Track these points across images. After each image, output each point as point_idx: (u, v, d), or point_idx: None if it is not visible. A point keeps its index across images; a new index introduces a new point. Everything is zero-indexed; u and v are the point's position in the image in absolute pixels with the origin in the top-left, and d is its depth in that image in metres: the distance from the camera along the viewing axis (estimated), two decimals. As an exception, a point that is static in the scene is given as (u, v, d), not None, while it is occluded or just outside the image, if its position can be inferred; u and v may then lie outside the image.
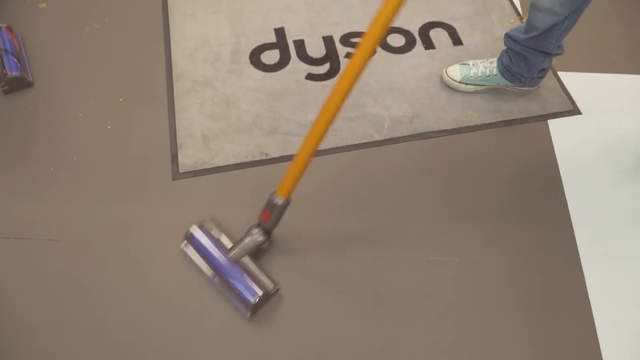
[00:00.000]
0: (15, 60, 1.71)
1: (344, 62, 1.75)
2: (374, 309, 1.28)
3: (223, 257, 1.27)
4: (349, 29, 1.84)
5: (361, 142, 1.55)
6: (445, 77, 1.67)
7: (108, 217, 1.43)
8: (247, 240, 1.28)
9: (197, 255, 1.31)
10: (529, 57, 1.49)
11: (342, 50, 1.78)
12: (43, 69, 1.76)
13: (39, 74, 1.75)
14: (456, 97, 1.64)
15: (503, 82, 1.61)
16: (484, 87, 1.64)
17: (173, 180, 1.50)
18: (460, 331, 1.26)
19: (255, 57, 1.77)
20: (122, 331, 1.25)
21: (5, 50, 1.73)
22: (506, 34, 1.53)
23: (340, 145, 1.54)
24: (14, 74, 1.68)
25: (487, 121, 1.59)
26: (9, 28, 1.82)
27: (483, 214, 1.42)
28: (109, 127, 1.62)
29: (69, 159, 1.55)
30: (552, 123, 1.59)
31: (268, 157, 1.52)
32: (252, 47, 1.80)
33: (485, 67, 1.62)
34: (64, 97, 1.70)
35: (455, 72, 1.65)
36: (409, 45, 1.80)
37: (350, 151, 1.54)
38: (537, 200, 1.45)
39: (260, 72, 1.73)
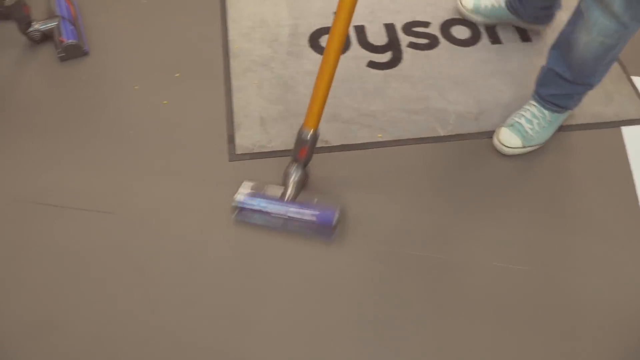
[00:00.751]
0: (72, 27, 1.68)
1: (406, 52, 1.69)
2: (427, 311, 1.24)
3: (281, 203, 1.28)
4: (411, 18, 1.79)
5: (425, 136, 1.50)
6: (459, 5, 1.76)
7: (163, 193, 1.40)
8: (295, 178, 1.30)
9: (255, 217, 1.30)
10: None
11: (404, 39, 1.73)
12: (99, 39, 1.73)
13: (95, 44, 1.72)
14: (525, 95, 1.58)
15: (508, 15, 1.69)
16: (492, 19, 1.73)
17: (230, 161, 1.47)
18: (518, 346, 1.21)
19: (314, 41, 1.72)
20: (171, 311, 1.22)
21: (62, 17, 1.69)
22: None
23: (403, 137, 1.50)
24: (71, 41, 1.64)
25: (555, 123, 1.53)
26: None
27: (551, 221, 1.37)
28: (165, 102, 1.59)
29: (125, 132, 1.52)
30: (626, 130, 1.53)
31: (328, 145, 1.48)
32: (312, 30, 1.75)
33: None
34: (119, 69, 1.67)
35: (468, 1, 1.74)
36: (475, 38, 1.74)
37: (413, 144, 1.49)
38: (608, 211, 1.39)
39: (319, 56, 1.67)
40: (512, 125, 1.44)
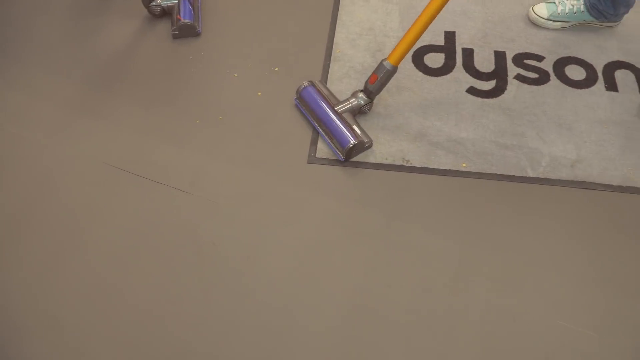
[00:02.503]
0: (190, 8, 1.77)
1: (511, 83, 1.61)
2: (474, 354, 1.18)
3: (328, 108, 1.47)
4: (525, 49, 1.70)
5: (512, 174, 1.42)
6: (532, 15, 1.75)
7: (239, 182, 1.44)
8: (352, 100, 1.49)
9: (303, 107, 1.54)
10: None
11: (512, 70, 1.65)
12: (213, 22, 1.81)
13: (208, 26, 1.80)
14: (632, 151, 1.45)
15: (589, 18, 1.69)
16: (570, 24, 1.72)
17: (308, 163, 1.48)
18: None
19: (418, 57, 1.69)
20: (228, 301, 1.25)
21: None
22: None
23: (488, 171, 1.43)
24: (186, 21, 1.73)
25: (662, 188, 1.40)
26: None
27: (634, 293, 1.25)
28: (259, 93, 1.63)
29: (215, 116, 1.58)
30: None
31: (408, 165, 1.45)
32: (418, 46, 1.72)
33: (572, 4, 1.69)
34: (225, 54, 1.73)
35: (542, 10, 1.74)
36: (589, 81, 1.62)
37: (497, 180, 1.42)
38: None
39: (420, 74, 1.65)
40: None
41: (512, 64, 1.66)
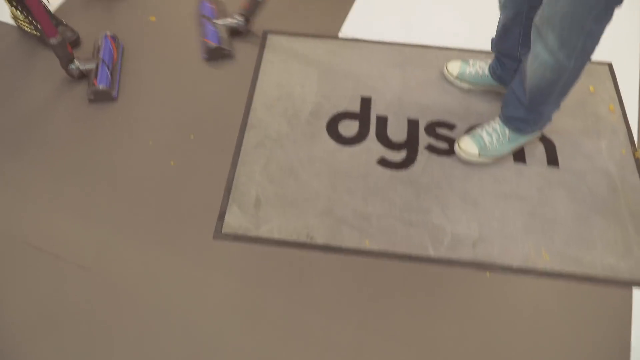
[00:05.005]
0: (108, 72, 1.76)
1: (422, 154, 1.62)
2: None
3: (211, 18, 1.89)
4: (438, 117, 1.72)
5: (413, 253, 1.43)
6: (445, 71, 1.80)
7: (141, 258, 1.43)
8: (231, 20, 1.90)
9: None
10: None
11: (424, 139, 1.66)
12: (132, 86, 1.80)
13: (126, 90, 1.79)
14: (535, 229, 1.47)
15: (494, 83, 1.73)
16: (477, 86, 1.76)
17: (213, 238, 1.47)
18: None
19: (333, 124, 1.70)
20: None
21: (103, 60, 1.77)
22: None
23: (391, 250, 1.44)
24: (102, 86, 1.72)
25: (560, 269, 1.41)
26: (113, 37, 1.87)
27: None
28: (172, 162, 1.62)
29: (126, 187, 1.57)
30: (638, 294, 1.38)
31: (312, 242, 1.45)
32: (333, 112, 1.73)
33: (481, 67, 1.74)
34: (140, 120, 1.72)
35: (454, 68, 1.78)
36: (498, 152, 1.64)
37: (399, 261, 1.42)
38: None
39: (332, 142, 1.66)
40: (473, 135, 1.59)
41: (424, 133, 1.68)
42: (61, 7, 2.04)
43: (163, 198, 1.54)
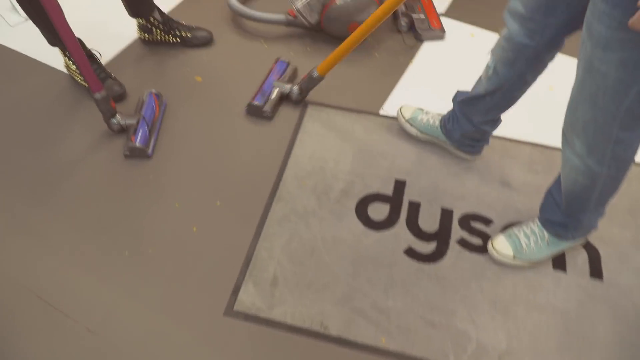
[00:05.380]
0: (147, 130, 1.77)
1: (452, 248, 1.53)
2: None
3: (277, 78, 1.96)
4: (475, 210, 1.63)
5: (432, 358, 1.32)
6: (400, 117, 1.80)
7: (149, 326, 1.39)
8: (288, 85, 1.91)
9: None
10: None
11: (456, 232, 1.57)
12: (168, 145, 1.81)
13: (162, 148, 1.80)
14: (570, 348, 1.33)
15: (442, 136, 1.71)
16: (425, 136, 1.75)
17: (224, 314, 1.41)
18: None
19: (362, 206, 1.64)
20: None
21: (143, 117, 1.80)
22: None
23: (408, 352, 1.33)
24: (138, 144, 1.73)
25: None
26: (157, 95, 1.90)
27: None
28: (195, 228, 1.60)
29: (145, 248, 1.54)
30: None
31: (325, 332, 1.37)
32: (365, 193, 1.67)
33: (433, 117, 1.72)
34: (171, 181, 1.71)
35: (406, 111, 1.78)
36: (536, 254, 1.52)
37: (414, 366, 1.32)
38: None
39: (360, 225, 1.59)
40: (509, 235, 1.49)
41: (458, 225, 1.59)
42: (114, 60, 2.10)
43: (179, 265, 1.51)
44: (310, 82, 1.84)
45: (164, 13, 2.07)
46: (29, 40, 2.08)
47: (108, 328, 1.38)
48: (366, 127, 1.86)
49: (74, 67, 1.93)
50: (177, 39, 2.10)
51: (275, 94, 1.89)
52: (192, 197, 1.67)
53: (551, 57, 1.30)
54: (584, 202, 1.31)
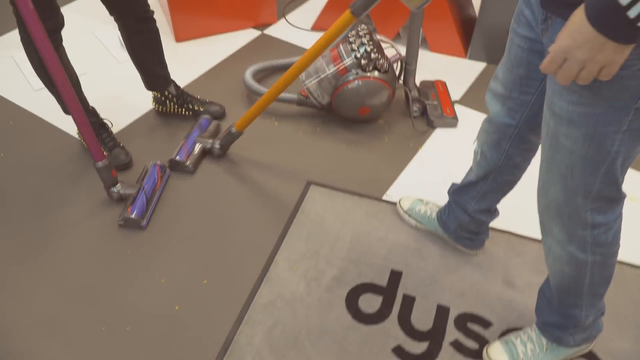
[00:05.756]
0: (145, 201, 1.76)
1: (445, 351, 1.42)
2: None
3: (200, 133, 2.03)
4: (474, 309, 1.52)
5: None
6: (398, 206, 1.76)
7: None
8: (210, 140, 1.98)
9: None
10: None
11: (451, 333, 1.46)
12: (164, 216, 1.79)
13: (157, 220, 1.78)
14: None
15: (440, 230, 1.65)
16: (424, 227, 1.70)
17: (193, 405, 1.32)
18: None
19: (353, 296, 1.55)
20: None
21: (143, 188, 1.80)
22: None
23: None
24: (133, 216, 1.72)
25: None
26: (161, 167, 1.91)
27: None
28: (177, 307, 1.54)
29: (123, 326, 1.48)
30: None
31: None
32: (357, 282, 1.59)
33: (431, 209, 1.68)
34: (161, 254, 1.68)
35: (405, 202, 1.75)
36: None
37: None
38: None
39: (349, 317, 1.50)
40: (506, 342, 1.37)
41: (453, 325, 1.48)
42: (126, 129, 2.14)
43: (154, 347, 1.44)
44: (230, 137, 1.92)
45: (179, 87, 2.12)
46: (48, 106, 2.14)
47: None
48: (367, 212, 1.80)
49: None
50: (190, 112, 2.13)
51: (198, 149, 1.97)
52: (180, 273, 1.63)
53: (537, 138, 1.25)
54: (576, 295, 1.20)
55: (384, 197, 1.87)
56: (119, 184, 1.80)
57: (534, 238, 1.71)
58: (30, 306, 1.52)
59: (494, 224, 1.65)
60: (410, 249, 1.69)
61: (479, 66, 2.52)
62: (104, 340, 1.45)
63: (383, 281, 1.59)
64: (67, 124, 2.10)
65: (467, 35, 2.59)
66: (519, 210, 1.71)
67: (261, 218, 1.79)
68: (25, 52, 1.72)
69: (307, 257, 1.66)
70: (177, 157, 1.92)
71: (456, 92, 2.35)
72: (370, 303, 1.54)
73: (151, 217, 1.78)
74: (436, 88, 2.29)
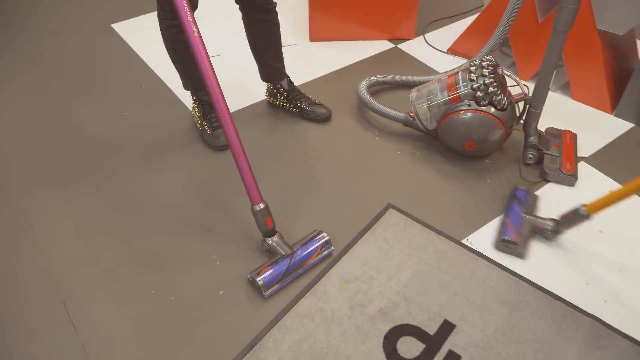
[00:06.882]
0: (282, 273, 1.55)
1: None
2: None
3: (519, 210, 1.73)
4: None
5: None
6: None
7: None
8: (541, 218, 1.68)
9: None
10: None
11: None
12: (234, 201, 1.82)
13: (227, 201, 1.81)
14: None
15: None
16: None
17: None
18: None
19: (394, 335, 1.45)
20: None
21: (293, 254, 1.59)
22: None
23: None
24: (260, 281, 1.52)
25: None
26: (327, 241, 1.64)
27: None
28: (221, 292, 1.56)
29: (169, 294, 1.56)
30: None
31: None
32: (403, 322, 1.48)
33: None
34: (217, 237, 1.70)
35: None
36: None
37: None
38: None
39: (381, 355, 1.40)
40: None
41: None
42: (234, 113, 2.23)
43: (188, 322, 1.48)
44: (576, 218, 1.55)
45: (292, 82, 2.16)
46: (178, 79, 2.29)
47: (101, 357, 1.38)
48: (439, 251, 1.67)
49: (197, 110, 2.07)
50: (297, 109, 2.16)
51: (526, 227, 1.66)
52: (233, 261, 1.64)
53: None
54: None
55: (463, 241, 1.71)
56: (276, 236, 1.61)
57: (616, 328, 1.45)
58: (100, 257, 1.64)
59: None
60: (473, 304, 1.53)
61: (624, 126, 2.21)
62: (148, 302, 1.52)
63: (432, 329, 1.46)
64: (186, 98, 2.24)
65: (620, 89, 2.29)
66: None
67: (327, 229, 1.74)
68: (160, 27, 1.83)
69: (360, 281, 1.58)
70: (507, 237, 1.65)
71: (586, 148, 2.09)
72: (409, 347, 1.42)
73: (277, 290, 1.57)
74: (562, 139, 2.06)
